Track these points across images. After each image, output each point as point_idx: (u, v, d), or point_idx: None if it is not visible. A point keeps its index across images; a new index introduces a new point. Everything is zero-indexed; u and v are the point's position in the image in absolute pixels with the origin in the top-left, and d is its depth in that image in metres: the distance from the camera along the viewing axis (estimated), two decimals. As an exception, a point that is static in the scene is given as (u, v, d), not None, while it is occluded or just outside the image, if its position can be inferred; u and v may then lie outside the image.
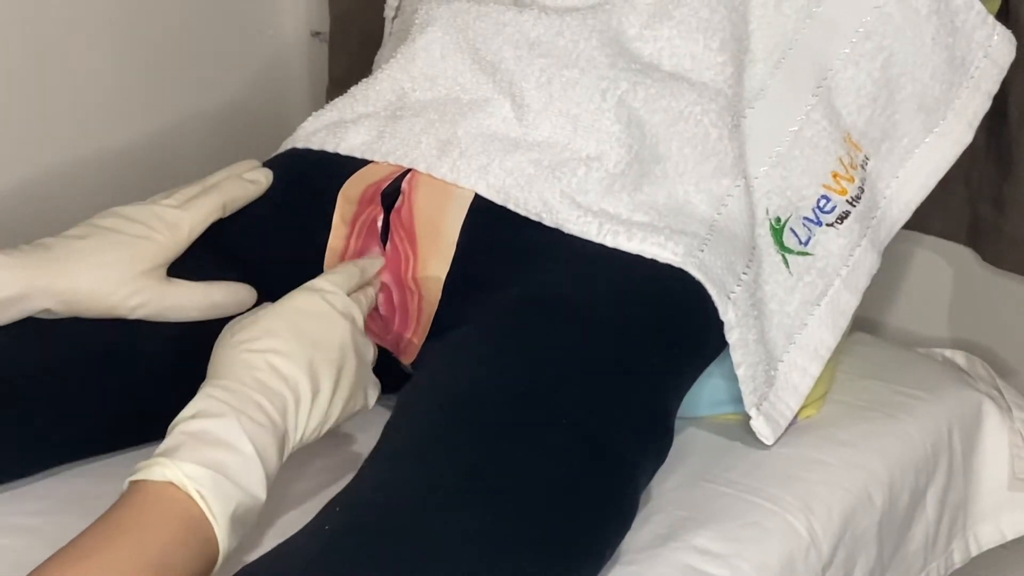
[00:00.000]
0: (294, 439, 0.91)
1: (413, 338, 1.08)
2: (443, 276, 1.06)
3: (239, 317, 0.97)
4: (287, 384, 0.91)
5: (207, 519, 0.83)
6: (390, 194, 1.09)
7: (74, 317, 1.00)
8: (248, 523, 0.87)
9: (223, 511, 0.83)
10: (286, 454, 0.91)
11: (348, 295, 1.00)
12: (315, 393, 0.92)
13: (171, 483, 0.83)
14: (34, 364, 1.00)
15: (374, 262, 1.06)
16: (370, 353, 1.01)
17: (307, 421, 0.92)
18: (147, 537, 0.80)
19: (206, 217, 1.06)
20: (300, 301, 0.97)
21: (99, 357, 1.02)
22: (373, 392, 1.01)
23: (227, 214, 1.08)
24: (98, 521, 0.82)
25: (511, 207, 1.06)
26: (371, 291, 1.05)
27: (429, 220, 1.07)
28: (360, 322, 1.00)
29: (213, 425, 0.86)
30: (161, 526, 0.81)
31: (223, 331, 0.96)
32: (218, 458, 0.84)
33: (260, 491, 0.87)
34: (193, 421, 0.87)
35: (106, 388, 1.02)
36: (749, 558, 0.99)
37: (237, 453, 0.86)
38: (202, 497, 0.82)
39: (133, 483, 0.84)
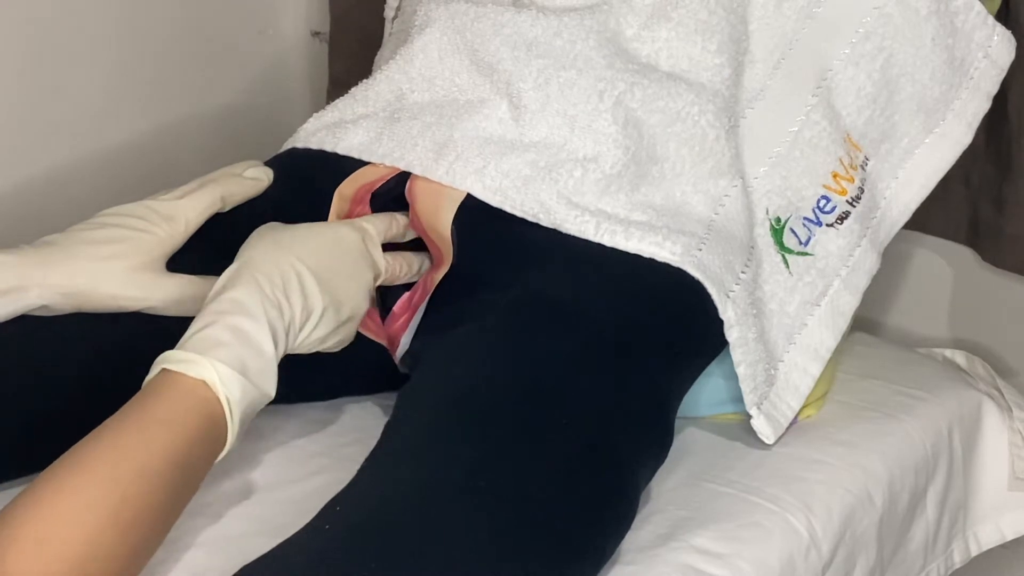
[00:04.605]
0: (290, 347, 0.95)
1: (404, 339, 1.08)
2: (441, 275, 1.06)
3: (285, 225, 1.00)
4: (306, 301, 0.95)
5: (225, 420, 0.87)
6: (380, 195, 1.09)
7: (73, 313, 1.00)
8: (251, 418, 0.91)
9: (240, 415, 0.88)
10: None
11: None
12: (320, 317, 0.96)
13: (204, 382, 0.86)
14: (34, 359, 1.00)
15: (404, 217, 1.08)
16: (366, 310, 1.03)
17: (306, 338, 0.96)
18: (176, 433, 0.84)
19: (204, 210, 1.05)
20: (344, 233, 1.01)
21: (98, 350, 1.02)
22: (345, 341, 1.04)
23: (226, 209, 1.08)
24: (131, 408, 0.86)
25: (507, 208, 1.05)
26: (391, 260, 1.06)
27: (429, 224, 1.07)
28: (379, 279, 1.04)
29: (247, 325, 0.90)
30: (189, 423, 0.85)
31: (266, 225, 1.00)
32: (245, 361, 0.89)
33: (271, 389, 0.91)
34: (230, 315, 0.90)
35: (105, 382, 1.02)
36: (749, 558, 0.99)
37: (261, 356, 0.90)
38: (228, 402, 0.87)
39: (166, 371, 0.87)
